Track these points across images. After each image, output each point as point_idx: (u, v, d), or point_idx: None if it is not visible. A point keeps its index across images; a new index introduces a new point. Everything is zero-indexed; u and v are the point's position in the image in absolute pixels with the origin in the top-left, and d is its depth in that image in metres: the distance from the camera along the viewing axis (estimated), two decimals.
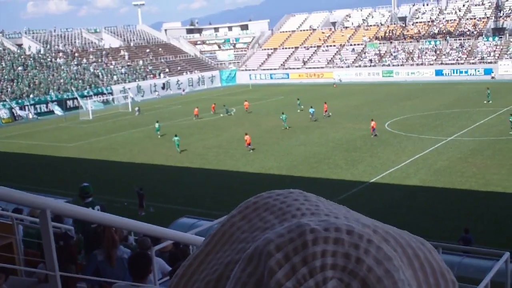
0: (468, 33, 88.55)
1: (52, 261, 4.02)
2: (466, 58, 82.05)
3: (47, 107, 72.26)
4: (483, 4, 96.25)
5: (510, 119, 39.98)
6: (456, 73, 79.57)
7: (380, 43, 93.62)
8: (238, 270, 0.68)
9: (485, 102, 53.71)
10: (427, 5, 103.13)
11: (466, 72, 78.84)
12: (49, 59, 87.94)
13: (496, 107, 50.23)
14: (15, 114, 68.86)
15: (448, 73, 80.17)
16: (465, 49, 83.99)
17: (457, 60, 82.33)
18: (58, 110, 69.90)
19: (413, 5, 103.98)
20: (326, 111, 52.65)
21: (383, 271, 0.62)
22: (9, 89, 74.37)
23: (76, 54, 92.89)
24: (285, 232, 0.66)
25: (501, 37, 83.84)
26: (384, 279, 0.62)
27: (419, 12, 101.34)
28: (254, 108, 60.05)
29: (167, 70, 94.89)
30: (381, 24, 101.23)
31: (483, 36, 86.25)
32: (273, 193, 0.83)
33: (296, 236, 0.64)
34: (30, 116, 69.03)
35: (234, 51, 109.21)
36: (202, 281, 0.77)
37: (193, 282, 0.78)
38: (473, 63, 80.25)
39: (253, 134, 46.20)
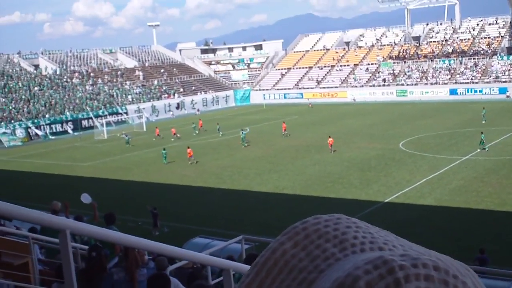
0: (482, 52, 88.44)
1: (72, 282, 4.06)
2: (480, 77, 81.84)
3: (62, 126, 72.88)
4: (497, 23, 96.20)
5: (482, 137, 41.45)
6: (471, 92, 79.27)
7: (394, 63, 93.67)
8: None
9: (483, 122, 53.33)
10: (441, 24, 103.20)
11: (480, 91, 78.54)
12: (65, 80, 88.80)
13: (511, 126, 49.93)
14: (31, 134, 69.45)
15: (463, 92, 79.90)
16: (480, 68, 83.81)
17: (471, 79, 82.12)
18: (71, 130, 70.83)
19: (427, 25, 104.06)
20: (284, 130, 55.14)
21: None
22: (25, 109, 75.08)
23: (92, 74, 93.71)
24: (371, 268, 0.64)
25: None
26: None
27: (433, 31, 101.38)
28: (268, 128, 60.14)
29: (181, 90, 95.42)
30: (395, 44, 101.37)
31: (498, 55, 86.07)
32: (320, 218, 0.81)
33: (386, 273, 0.63)
34: (43, 133, 69.58)
35: (248, 71, 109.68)
36: None
37: None
38: (487, 82, 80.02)
39: (267, 153, 46.29)
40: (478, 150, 40.96)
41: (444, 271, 0.65)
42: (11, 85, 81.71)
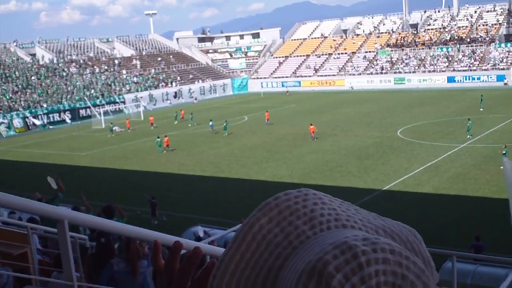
0: (480, 39, 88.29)
1: (70, 272, 4.06)
2: (478, 64, 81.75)
3: (59, 116, 72.79)
4: (495, 10, 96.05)
5: (468, 124, 42.09)
6: (469, 79, 79.25)
7: (391, 50, 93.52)
8: (299, 285, 0.76)
9: (481, 109, 53.54)
10: (439, 11, 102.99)
11: (478, 78, 78.53)
12: (62, 69, 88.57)
13: (509, 114, 49.97)
14: (29, 124, 69.33)
15: (460, 80, 79.86)
16: (477, 56, 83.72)
17: (469, 66, 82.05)
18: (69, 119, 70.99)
19: (425, 12, 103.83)
20: (267, 119, 55.63)
21: (422, 284, 0.76)
22: (22, 99, 74.92)
23: (89, 63, 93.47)
24: (338, 253, 0.75)
25: None
26: None
27: (431, 19, 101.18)
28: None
29: (178, 78, 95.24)
30: (393, 31, 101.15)
31: (495, 42, 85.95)
32: (290, 194, 0.91)
33: (351, 258, 0.74)
34: (40, 123, 69.54)
35: (246, 59, 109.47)
36: (246, 283, 0.86)
37: (235, 282, 0.86)
38: (485, 70, 79.95)
39: (265, 142, 46.30)
40: (468, 137, 41.36)
41: (398, 254, 0.76)
42: (8, 75, 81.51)
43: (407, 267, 0.76)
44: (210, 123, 53.59)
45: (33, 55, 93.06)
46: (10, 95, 75.46)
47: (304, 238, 0.85)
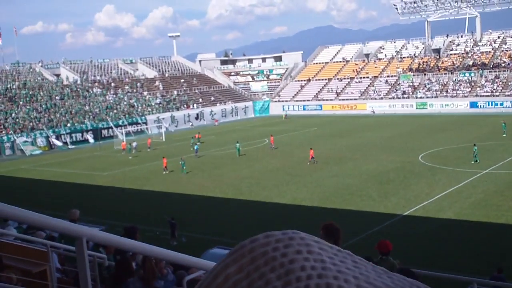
0: (503, 65, 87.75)
1: None
2: (501, 90, 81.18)
3: (82, 136, 73.48)
4: None
5: (474, 149, 42.50)
6: (491, 105, 78.70)
7: (413, 75, 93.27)
8: None
9: (504, 135, 53.26)
10: (462, 37, 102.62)
11: (501, 104, 77.93)
12: (85, 89, 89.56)
13: None
14: (51, 143, 70.04)
15: (483, 105, 79.34)
16: (500, 81, 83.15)
17: (492, 92, 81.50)
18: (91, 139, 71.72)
19: (447, 37, 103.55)
20: (272, 143, 56.11)
21: None
22: (46, 118, 75.77)
23: (112, 84, 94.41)
24: None
25: None
26: None
27: (453, 44, 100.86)
28: (287, 139, 60.15)
29: (200, 100, 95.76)
30: (415, 56, 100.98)
31: None
32: (271, 237, 0.77)
33: None
34: (69, 145, 70.24)
35: (268, 82, 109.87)
36: None
37: None
38: (508, 95, 79.32)
39: (286, 165, 46.23)
40: (472, 162, 41.43)
41: None
42: (32, 94, 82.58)
43: None
44: (196, 147, 54.22)
45: (58, 75, 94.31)
46: (35, 115, 76.37)
47: None
